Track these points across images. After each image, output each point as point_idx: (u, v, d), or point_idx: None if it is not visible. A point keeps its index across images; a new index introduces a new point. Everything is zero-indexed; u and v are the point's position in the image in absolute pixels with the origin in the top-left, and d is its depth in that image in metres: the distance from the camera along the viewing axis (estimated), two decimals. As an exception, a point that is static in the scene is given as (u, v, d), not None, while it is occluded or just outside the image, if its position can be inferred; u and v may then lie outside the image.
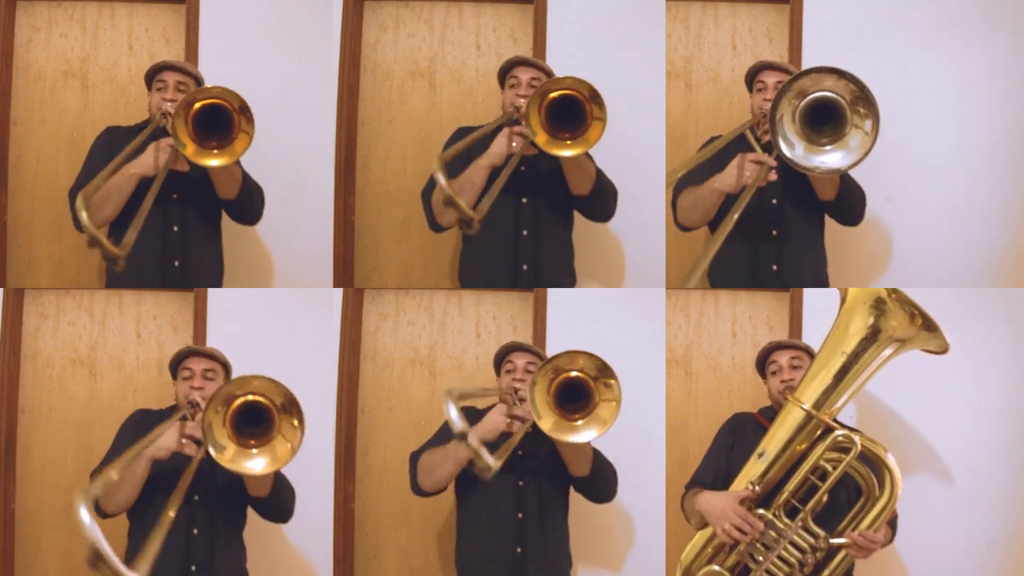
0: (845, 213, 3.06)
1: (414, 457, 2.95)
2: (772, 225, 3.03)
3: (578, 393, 2.73)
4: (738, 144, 3.02)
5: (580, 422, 2.72)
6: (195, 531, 2.82)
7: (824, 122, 2.74)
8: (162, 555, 2.78)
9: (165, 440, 2.67)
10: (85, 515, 1.92)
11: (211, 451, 2.57)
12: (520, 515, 2.91)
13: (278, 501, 2.87)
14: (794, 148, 2.76)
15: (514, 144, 2.89)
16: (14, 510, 3.38)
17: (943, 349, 2.70)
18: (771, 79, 3.02)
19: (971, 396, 3.36)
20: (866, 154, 2.72)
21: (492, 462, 2.35)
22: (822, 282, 3.12)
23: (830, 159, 2.74)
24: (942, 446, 3.34)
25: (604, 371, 2.70)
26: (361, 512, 3.45)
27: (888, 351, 2.67)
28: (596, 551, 3.35)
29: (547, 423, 2.71)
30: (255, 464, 2.59)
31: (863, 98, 2.70)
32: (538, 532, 2.92)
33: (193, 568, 2.81)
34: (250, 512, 2.93)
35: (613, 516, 3.28)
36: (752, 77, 3.09)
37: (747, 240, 3.02)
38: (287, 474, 2.87)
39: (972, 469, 3.34)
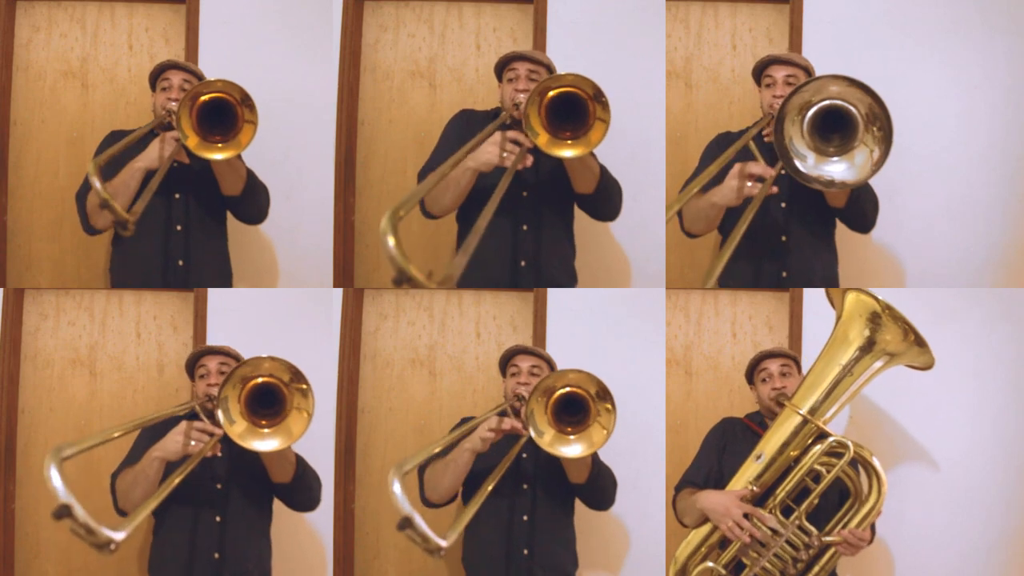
0: (856, 220, 2.99)
1: (420, 471, 2.95)
2: (781, 232, 2.97)
3: (576, 407, 2.77)
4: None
5: (573, 436, 2.77)
6: (218, 518, 2.85)
7: (834, 130, 2.66)
8: (185, 541, 2.84)
9: (170, 444, 2.70)
10: (55, 475, 2.00)
11: (222, 421, 2.66)
12: (525, 518, 2.91)
13: (302, 487, 2.90)
14: (806, 160, 2.68)
15: (505, 155, 2.81)
16: (14, 510, 3.38)
17: (928, 365, 2.82)
18: (780, 73, 2.94)
19: (971, 396, 3.36)
20: (868, 176, 2.66)
21: (441, 543, 2.18)
22: (833, 284, 3.06)
23: (834, 169, 2.68)
24: (942, 446, 3.34)
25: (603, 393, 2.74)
26: (361, 512, 3.45)
27: (879, 363, 2.79)
28: (596, 551, 3.35)
29: (546, 438, 2.76)
30: (267, 444, 2.69)
31: (880, 117, 2.61)
32: (545, 534, 2.92)
33: (216, 556, 2.84)
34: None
35: (613, 516, 3.28)
36: (760, 72, 3.00)
37: (756, 247, 2.93)
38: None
39: (972, 469, 3.34)
